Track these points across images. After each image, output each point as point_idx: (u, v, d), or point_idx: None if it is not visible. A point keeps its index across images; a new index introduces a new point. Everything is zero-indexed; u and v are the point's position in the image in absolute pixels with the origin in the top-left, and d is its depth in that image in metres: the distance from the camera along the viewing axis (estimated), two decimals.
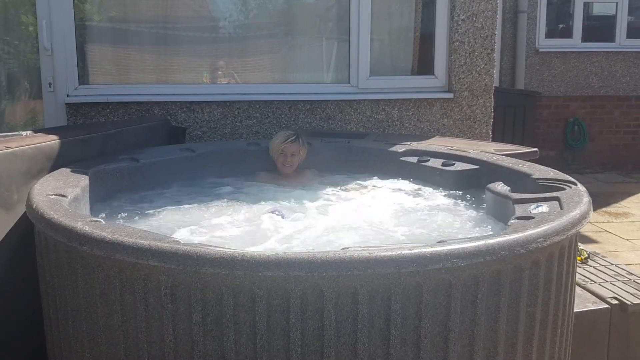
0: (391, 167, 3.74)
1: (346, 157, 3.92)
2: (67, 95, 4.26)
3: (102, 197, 3.04)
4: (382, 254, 1.87)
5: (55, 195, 2.52)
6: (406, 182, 3.58)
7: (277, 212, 2.81)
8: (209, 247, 1.91)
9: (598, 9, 8.57)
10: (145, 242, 1.94)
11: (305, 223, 2.78)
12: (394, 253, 1.88)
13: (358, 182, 3.67)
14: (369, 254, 1.86)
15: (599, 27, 8.44)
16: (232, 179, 3.59)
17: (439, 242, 2.02)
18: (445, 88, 4.79)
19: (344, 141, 4.04)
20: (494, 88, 4.86)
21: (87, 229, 2.04)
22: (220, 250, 1.88)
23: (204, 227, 2.70)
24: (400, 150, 3.80)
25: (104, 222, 2.19)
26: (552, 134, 8.18)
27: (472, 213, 3.02)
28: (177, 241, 1.98)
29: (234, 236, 2.58)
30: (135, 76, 4.61)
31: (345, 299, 1.86)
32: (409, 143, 3.89)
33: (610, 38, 8.40)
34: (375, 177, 3.68)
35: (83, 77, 4.36)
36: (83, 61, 4.38)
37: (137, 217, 2.86)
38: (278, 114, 4.61)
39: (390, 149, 3.85)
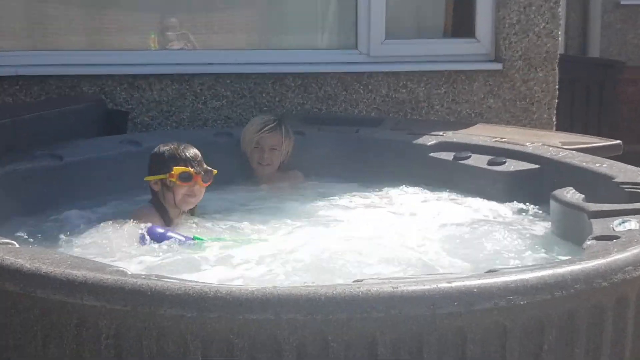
0: (416, 167, 3.73)
1: (353, 153, 3.93)
2: None
3: (12, 210, 3.03)
4: (410, 288, 1.88)
5: None
6: (438, 188, 3.59)
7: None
8: (168, 280, 1.91)
9: None
10: (79, 273, 1.94)
11: (294, 245, 2.80)
12: (426, 287, 1.89)
13: (370, 187, 3.68)
14: (392, 288, 1.87)
15: None
16: None
17: (489, 271, 2.02)
18: (491, 56, 4.82)
19: (350, 130, 4.04)
20: (558, 56, 4.91)
21: None
22: (185, 283, 1.89)
23: (160, 251, 2.72)
24: (429, 144, 3.79)
25: (18, 246, 2.20)
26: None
27: (532, 231, 3.03)
28: (123, 271, 1.99)
29: (197, 264, 2.59)
30: (55, 40, 4.63)
31: (358, 352, 1.86)
32: (441, 133, 3.88)
33: None
34: (395, 181, 3.69)
35: None
36: None
37: (63, 239, 2.86)
38: (257, 92, 4.62)
39: (415, 142, 3.84)
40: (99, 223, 2.99)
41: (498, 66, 4.78)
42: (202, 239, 2.82)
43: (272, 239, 2.94)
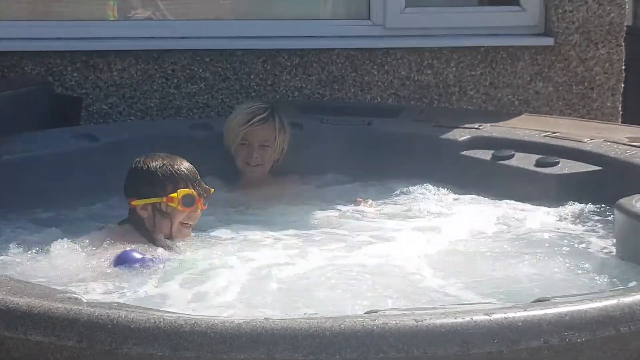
0: (444, 169, 3.74)
1: (365, 149, 3.94)
2: None
3: None
4: (438, 321, 1.89)
5: None
6: (472, 195, 3.60)
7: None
8: (134, 310, 1.92)
9: None
10: (21, 301, 1.95)
11: (290, 268, 2.80)
12: (457, 321, 1.89)
13: (386, 194, 3.69)
14: (415, 322, 1.88)
15: None
16: None
17: (536, 300, 2.02)
18: (540, 28, 4.83)
19: (360, 122, 4.04)
20: (625, 29, 4.91)
21: None
22: (155, 314, 1.90)
23: (117, 275, 2.73)
24: (460, 139, 3.80)
25: None
26: None
27: (591, 249, 3.04)
28: (77, 299, 2.00)
29: (170, 291, 2.60)
30: None
31: None
32: (476, 126, 3.88)
33: None
34: (417, 187, 3.70)
35: None
36: None
37: (2, 256, 2.87)
38: (244, 72, 4.62)
39: (443, 137, 3.84)
40: (46, 237, 3.00)
41: (549, 41, 4.79)
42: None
43: (261, 259, 2.93)
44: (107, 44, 4.53)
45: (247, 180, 3.80)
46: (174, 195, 2.96)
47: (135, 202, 3.02)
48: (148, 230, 3.03)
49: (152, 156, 3.05)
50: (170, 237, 3.03)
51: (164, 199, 2.97)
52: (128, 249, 2.86)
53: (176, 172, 3.00)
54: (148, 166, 3.02)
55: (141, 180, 3.03)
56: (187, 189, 2.97)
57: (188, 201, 2.98)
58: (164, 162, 3.01)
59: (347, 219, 3.45)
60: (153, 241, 3.01)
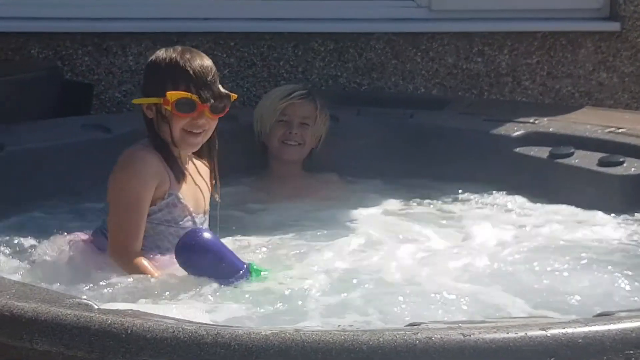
0: (496, 167, 3.75)
1: (406, 145, 3.94)
2: None
3: None
4: (488, 336, 1.88)
5: None
6: (527, 196, 3.59)
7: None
8: (151, 318, 1.93)
9: None
10: (27, 307, 1.97)
11: (323, 274, 2.81)
12: (510, 336, 1.89)
13: (430, 194, 3.70)
14: (463, 336, 1.88)
15: None
16: None
17: (599, 315, 2.03)
18: (605, 12, 4.82)
19: (402, 115, 4.04)
20: None
21: None
22: (174, 323, 1.91)
23: (132, 279, 2.70)
24: (514, 135, 3.81)
25: None
26: None
27: None
28: (88, 304, 2.01)
29: (189, 295, 2.60)
30: None
31: None
32: (531, 120, 3.88)
33: None
34: (465, 186, 3.72)
35: None
36: None
37: (7, 255, 2.90)
38: (272, 58, 4.64)
39: (494, 132, 3.84)
40: (52, 236, 3.00)
41: (615, 26, 4.78)
42: (263, 270, 2.76)
43: (291, 263, 2.96)
44: (121, 25, 4.57)
45: (276, 172, 3.81)
46: (168, 97, 2.76)
47: (136, 101, 2.95)
48: (162, 139, 2.86)
49: (168, 49, 2.91)
50: (174, 145, 2.84)
51: (161, 100, 2.79)
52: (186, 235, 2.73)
53: (180, 69, 2.81)
54: (157, 58, 2.89)
55: (147, 75, 2.97)
56: (183, 92, 2.77)
57: (183, 106, 2.78)
58: (174, 55, 2.85)
59: (383, 222, 3.46)
60: (175, 154, 2.87)
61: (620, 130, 3.74)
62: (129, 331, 1.89)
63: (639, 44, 4.80)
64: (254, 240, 3.18)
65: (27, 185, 3.46)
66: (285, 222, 3.41)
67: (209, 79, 2.81)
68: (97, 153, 3.63)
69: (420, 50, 4.72)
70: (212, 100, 2.80)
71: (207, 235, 2.74)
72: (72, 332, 1.92)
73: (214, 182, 2.98)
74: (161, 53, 2.89)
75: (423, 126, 4.02)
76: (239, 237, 3.19)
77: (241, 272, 2.69)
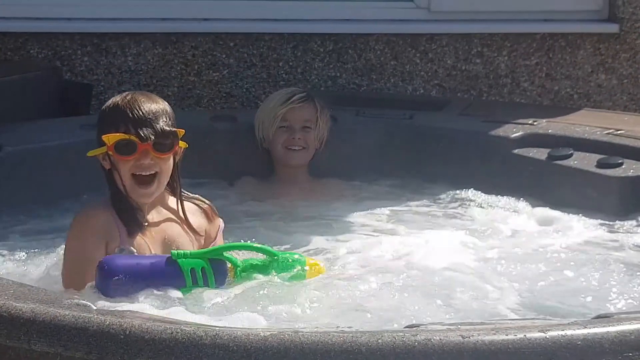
0: (494, 169, 3.75)
1: (405, 146, 3.94)
2: None
3: None
4: (487, 338, 1.88)
5: None
6: (525, 198, 3.59)
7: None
8: (149, 319, 1.93)
9: None
10: (25, 307, 1.96)
11: (322, 274, 2.77)
12: (509, 338, 1.89)
13: (428, 195, 3.70)
14: (462, 338, 1.88)
15: None
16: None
17: (597, 316, 2.02)
18: (604, 13, 4.81)
19: (401, 116, 4.04)
20: None
21: None
22: (171, 324, 1.91)
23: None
24: (512, 136, 3.80)
25: None
26: None
27: None
28: (87, 305, 2.01)
29: (186, 295, 2.56)
30: None
31: None
32: (530, 121, 3.88)
33: None
34: (463, 187, 3.71)
35: None
36: None
37: (5, 255, 2.90)
38: (272, 59, 4.63)
39: (493, 133, 3.84)
40: (50, 236, 3.03)
41: (613, 28, 4.77)
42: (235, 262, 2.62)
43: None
44: (120, 25, 4.56)
45: (282, 177, 3.81)
46: (105, 140, 2.61)
47: (90, 153, 2.73)
48: (124, 196, 2.68)
49: (119, 95, 2.74)
50: (127, 194, 2.66)
51: (106, 148, 2.63)
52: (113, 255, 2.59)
53: (119, 111, 2.65)
54: (103, 107, 2.74)
55: (97, 124, 2.76)
56: (120, 133, 2.60)
57: (123, 147, 2.61)
58: (117, 99, 2.69)
59: (384, 225, 3.46)
60: (141, 215, 2.69)
61: (618, 132, 3.74)
62: (128, 332, 1.89)
63: (637, 45, 4.80)
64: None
65: (26, 185, 3.46)
66: (291, 225, 3.41)
67: (148, 117, 2.63)
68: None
69: (419, 52, 4.72)
70: (152, 138, 2.61)
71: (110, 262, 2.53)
72: (71, 332, 1.92)
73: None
74: (111, 100, 2.74)
75: (422, 127, 4.01)
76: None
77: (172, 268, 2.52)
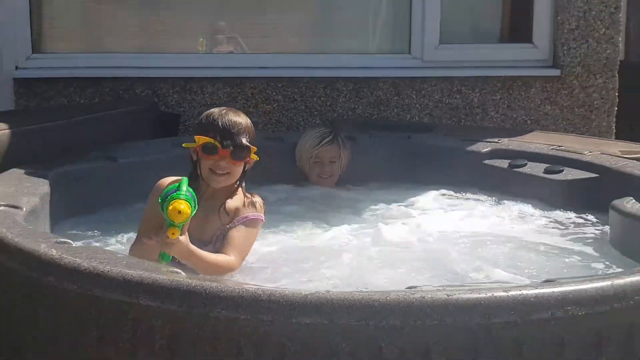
0: (470, 175, 3.75)
1: (405, 159, 3.94)
2: (16, 68, 4.39)
3: (68, 210, 3.11)
4: (465, 296, 1.88)
5: (6, 206, 2.60)
6: (493, 196, 3.58)
7: None
8: (223, 282, 1.95)
9: None
10: (134, 273, 1.98)
11: (355, 250, 2.83)
12: (481, 296, 1.88)
13: (421, 195, 3.68)
14: (447, 296, 1.88)
15: None
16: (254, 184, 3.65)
17: (546, 281, 2.02)
18: (549, 62, 4.80)
19: (402, 136, 4.05)
20: (618, 62, 4.86)
21: (53, 254, 2.10)
22: (239, 286, 1.92)
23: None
24: (483, 151, 3.80)
25: (75, 245, 2.25)
26: None
27: (590, 241, 3.01)
28: (178, 272, 2.03)
29: (256, 268, 2.63)
30: (109, 42, 4.74)
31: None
32: (496, 140, 3.88)
33: None
34: (448, 189, 3.70)
35: (38, 43, 4.49)
36: (38, 21, 4.51)
37: (118, 239, 2.92)
38: (308, 96, 4.67)
39: (468, 149, 3.84)
40: None
41: (556, 72, 4.76)
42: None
43: (318, 242, 2.98)
44: (200, 72, 4.60)
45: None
46: (196, 140, 2.59)
47: (185, 145, 2.71)
48: (198, 177, 2.64)
49: (216, 108, 2.71)
50: (203, 179, 2.62)
51: (196, 145, 2.62)
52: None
53: (212, 121, 2.61)
54: (206, 113, 2.70)
55: (196, 124, 2.76)
56: (208, 137, 2.56)
57: (207, 149, 2.58)
58: (213, 112, 2.66)
59: (390, 213, 3.44)
60: (201, 191, 2.60)
61: (560, 148, 3.73)
62: (208, 291, 1.91)
63: (573, 85, 4.79)
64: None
65: (132, 188, 3.48)
66: (314, 213, 3.43)
67: (232, 130, 2.59)
68: (184, 164, 3.66)
69: (415, 90, 4.73)
70: (231, 148, 2.58)
71: None
72: (166, 291, 1.94)
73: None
74: (211, 109, 2.71)
75: (417, 145, 4.01)
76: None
77: None
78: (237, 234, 2.60)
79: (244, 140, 2.62)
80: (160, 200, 2.38)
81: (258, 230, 2.68)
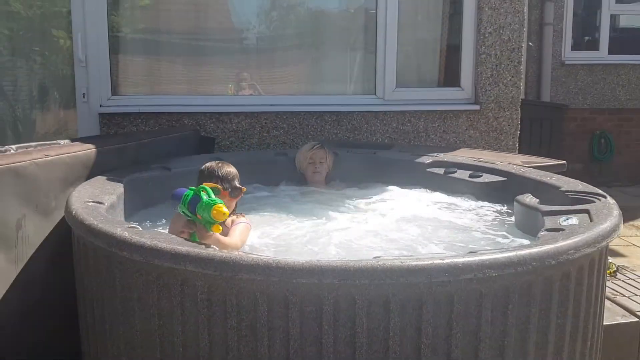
0: (418, 179, 3.75)
1: (373, 168, 3.94)
2: (101, 106, 4.37)
3: (136, 205, 3.10)
4: (414, 263, 1.89)
5: (93, 202, 2.60)
6: (434, 193, 3.59)
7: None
8: (244, 254, 1.96)
9: (625, 22, 8.50)
10: (183, 248, 1.99)
11: (338, 231, 2.81)
12: (425, 263, 1.90)
13: (384, 193, 3.67)
14: (401, 263, 1.89)
15: (626, 39, 8.36)
16: (259, 185, 3.62)
17: (470, 252, 2.03)
18: (472, 100, 4.80)
19: (370, 152, 4.07)
20: (520, 100, 4.87)
21: (126, 235, 2.11)
22: (256, 257, 1.93)
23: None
24: (426, 162, 3.81)
25: (141, 229, 2.24)
26: (578, 146, 8.10)
27: (501, 225, 3.02)
28: (214, 248, 2.05)
29: (268, 244, 2.63)
30: (165, 87, 4.71)
31: (377, 308, 1.89)
32: (435, 154, 3.90)
33: (638, 50, 8.31)
34: (402, 188, 3.69)
35: (116, 88, 4.47)
36: (116, 72, 4.49)
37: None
38: (305, 124, 4.66)
39: (416, 160, 3.86)
40: None
41: (477, 107, 4.76)
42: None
43: (314, 226, 2.95)
44: (229, 108, 4.56)
45: (313, 185, 3.78)
46: (206, 185, 2.50)
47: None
48: None
49: (213, 162, 2.72)
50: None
51: None
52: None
53: (214, 171, 2.63)
54: (203, 166, 2.70)
55: (199, 175, 2.71)
56: (213, 183, 2.47)
57: (213, 190, 2.51)
58: (211, 164, 2.68)
59: (363, 204, 3.43)
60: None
61: (480, 159, 3.73)
62: (234, 260, 1.92)
63: (489, 116, 4.79)
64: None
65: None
66: (314, 206, 3.41)
67: (229, 178, 2.61)
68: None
69: (379, 120, 4.72)
70: (229, 189, 2.60)
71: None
72: (205, 261, 1.94)
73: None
74: (206, 164, 2.70)
75: (381, 158, 3.99)
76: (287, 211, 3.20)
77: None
78: (236, 227, 2.59)
79: (236, 183, 2.64)
80: (184, 205, 2.29)
81: (248, 227, 2.63)
